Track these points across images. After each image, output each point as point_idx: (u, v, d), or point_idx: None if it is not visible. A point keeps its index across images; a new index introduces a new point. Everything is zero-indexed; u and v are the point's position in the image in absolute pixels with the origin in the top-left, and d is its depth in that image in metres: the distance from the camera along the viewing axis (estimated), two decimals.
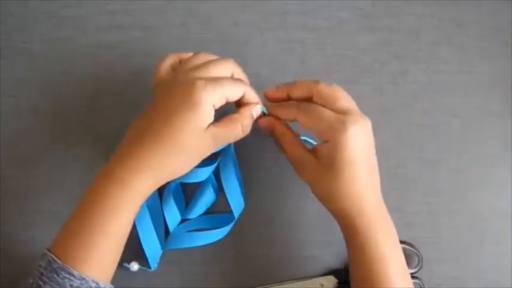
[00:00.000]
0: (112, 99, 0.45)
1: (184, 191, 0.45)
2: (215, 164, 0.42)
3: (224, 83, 0.34)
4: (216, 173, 0.43)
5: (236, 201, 0.42)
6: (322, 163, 0.35)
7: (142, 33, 0.46)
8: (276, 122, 0.38)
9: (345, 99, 0.36)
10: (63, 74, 0.46)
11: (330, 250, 0.45)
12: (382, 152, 0.46)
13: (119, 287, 0.44)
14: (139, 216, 0.41)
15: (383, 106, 0.47)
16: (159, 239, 0.42)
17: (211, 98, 0.33)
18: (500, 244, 0.46)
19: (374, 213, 0.35)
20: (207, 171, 0.41)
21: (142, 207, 0.40)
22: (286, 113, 0.38)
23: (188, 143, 0.33)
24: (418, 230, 0.46)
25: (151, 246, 0.41)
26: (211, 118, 0.34)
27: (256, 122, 0.38)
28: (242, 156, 0.45)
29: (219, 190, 0.44)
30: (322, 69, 0.47)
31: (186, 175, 0.40)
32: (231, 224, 0.43)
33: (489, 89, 0.47)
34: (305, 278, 0.45)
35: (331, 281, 0.45)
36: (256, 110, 0.38)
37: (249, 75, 0.46)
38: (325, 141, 0.35)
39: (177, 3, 0.47)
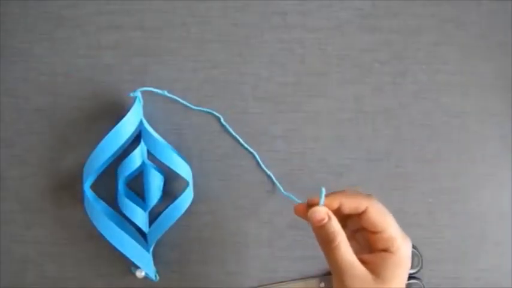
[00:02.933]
0: (112, 99, 0.45)
1: (135, 192, 0.45)
2: (140, 146, 0.43)
3: None
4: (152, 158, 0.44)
5: (180, 166, 0.42)
6: (375, 276, 0.31)
7: (142, 33, 0.46)
8: (333, 216, 0.33)
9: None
10: (63, 74, 0.46)
11: None
12: (382, 152, 0.46)
13: (120, 287, 0.44)
14: (112, 235, 0.41)
15: (383, 106, 0.47)
16: (141, 245, 0.41)
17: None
18: (500, 244, 0.46)
19: None
20: (137, 155, 0.43)
21: (109, 224, 0.40)
22: (354, 203, 0.33)
23: None
24: (418, 230, 0.46)
25: (139, 256, 0.41)
26: None
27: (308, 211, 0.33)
28: (241, 158, 0.45)
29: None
30: (322, 69, 0.47)
31: (123, 168, 0.43)
32: (191, 187, 0.42)
33: (489, 89, 0.47)
34: (305, 278, 0.45)
35: (331, 281, 0.45)
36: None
37: (249, 75, 0.46)
38: (382, 250, 0.32)
39: (177, 3, 0.47)
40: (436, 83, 0.47)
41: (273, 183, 0.45)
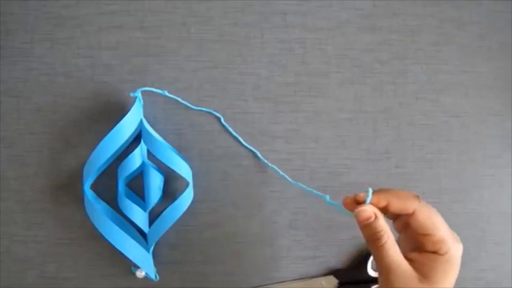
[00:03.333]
0: (112, 99, 0.45)
1: (135, 192, 0.45)
2: (140, 146, 0.43)
3: None
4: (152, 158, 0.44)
5: (180, 166, 0.42)
6: (422, 277, 0.31)
7: (142, 33, 0.46)
8: (380, 215, 0.33)
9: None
10: (63, 74, 0.46)
11: (330, 250, 0.46)
12: (382, 152, 0.46)
13: (120, 287, 0.44)
14: (112, 235, 0.41)
15: (383, 106, 0.47)
16: (141, 245, 0.41)
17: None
18: (500, 244, 0.46)
19: None
20: (137, 155, 0.43)
21: (109, 224, 0.40)
22: (404, 204, 0.32)
23: None
24: None
25: (139, 256, 0.41)
26: None
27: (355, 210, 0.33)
28: (241, 158, 0.45)
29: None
30: (322, 69, 0.47)
31: (123, 168, 0.43)
32: (191, 187, 0.42)
33: (489, 89, 0.47)
34: (305, 278, 0.45)
35: (331, 281, 0.45)
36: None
37: (249, 75, 0.46)
38: (432, 252, 0.32)
39: (177, 3, 0.47)
40: (436, 83, 0.47)
41: (278, 177, 0.45)
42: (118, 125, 0.41)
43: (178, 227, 0.43)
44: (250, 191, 0.45)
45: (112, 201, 0.44)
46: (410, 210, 0.32)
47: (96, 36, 0.46)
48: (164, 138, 0.44)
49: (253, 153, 0.45)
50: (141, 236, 0.44)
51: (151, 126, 0.44)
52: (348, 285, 0.45)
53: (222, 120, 0.45)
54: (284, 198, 0.45)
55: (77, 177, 0.44)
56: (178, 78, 0.46)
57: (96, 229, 0.41)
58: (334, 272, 0.45)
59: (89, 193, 0.42)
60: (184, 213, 0.42)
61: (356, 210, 0.32)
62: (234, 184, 0.45)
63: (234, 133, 0.45)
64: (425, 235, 0.32)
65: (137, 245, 0.41)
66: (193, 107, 0.45)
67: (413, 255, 0.32)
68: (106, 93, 0.46)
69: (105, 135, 0.41)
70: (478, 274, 0.46)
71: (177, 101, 0.45)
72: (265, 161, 0.45)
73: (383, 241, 0.32)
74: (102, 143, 0.41)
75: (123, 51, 0.46)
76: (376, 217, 0.32)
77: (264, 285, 0.45)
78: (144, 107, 0.43)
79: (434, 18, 0.48)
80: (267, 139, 0.46)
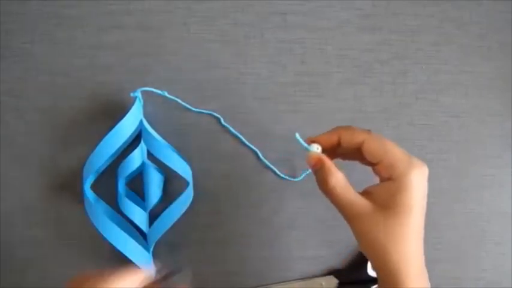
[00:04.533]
0: (112, 99, 0.45)
1: (135, 192, 0.45)
2: (140, 146, 0.43)
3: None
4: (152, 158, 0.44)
5: (180, 166, 0.42)
6: (378, 206, 0.31)
7: (142, 33, 0.46)
8: (326, 160, 0.33)
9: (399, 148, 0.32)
10: (63, 74, 0.46)
11: (330, 250, 0.46)
12: None
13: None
14: (112, 235, 0.41)
15: (383, 106, 0.47)
16: (141, 245, 0.41)
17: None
18: (500, 244, 0.46)
19: (423, 276, 0.32)
20: (137, 155, 0.43)
21: (109, 224, 0.40)
22: (352, 135, 0.33)
23: None
24: None
25: (139, 256, 0.41)
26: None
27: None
28: (241, 158, 0.45)
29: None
30: (322, 69, 0.47)
31: (123, 168, 0.42)
32: (191, 187, 0.42)
33: (489, 89, 0.47)
34: (305, 278, 0.45)
35: (331, 281, 0.45)
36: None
37: (249, 75, 0.46)
38: (387, 179, 0.31)
39: (177, 3, 0.47)
40: (436, 83, 0.47)
41: (278, 177, 0.45)
42: (118, 125, 0.41)
43: (178, 227, 0.43)
44: (250, 191, 0.45)
45: (112, 201, 0.44)
46: (360, 139, 0.32)
47: (96, 36, 0.46)
48: (164, 138, 0.44)
49: (254, 153, 0.45)
50: (141, 236, 0.44)
51: (151, 126, 0.44)
52: (348, 285, 0.45)
53: (222, 120, 0.45)
54: (284, 198, 0.45)
55: (77, 177, 0.44)
56: (179, 78, 0.46)
57: (96, 229, 0.41)
58: (334, 272, 0.45)
59: (88, 193, 0.42)
60: (184, 213, 0.42)
61: (305, 158, 0.33)
62: (234, 184, 0.45)
63: (234, 132, 0.45)
64: (378, 163, 0.32)
65: (137, 245, 0.41)
66: (193, 108, 0.45)
67: (371, 188, 0.32)
68: (106, 93, 0.46)
69: (105, 135, 0.41)
70: (478, 274, 0.46)
71: (177, 102, 0.45)
72: (265, 161, 0.45)
73: (331, 185, 0.32)
74: (102, 143, 0.41)
75: (123, 51, 0.46)
76: (323, 162, 0.32)
77: (264, 285, 0.45)
78: (144, 107, 0.43)
79: (434, 18, 0.48)
80: (267, 139, 0.46)
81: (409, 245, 0.31)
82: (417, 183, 0.30)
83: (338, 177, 0.32)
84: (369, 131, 0.33)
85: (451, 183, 0.46)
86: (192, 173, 0.43)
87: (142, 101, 0.43)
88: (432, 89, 0.47)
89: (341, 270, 0.45)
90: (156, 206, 0.44)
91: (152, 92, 0.43)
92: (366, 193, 0.32)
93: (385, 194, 0.31)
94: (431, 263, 0.45)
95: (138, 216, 0.42)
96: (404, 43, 0.47)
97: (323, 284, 0.45)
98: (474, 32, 0.48)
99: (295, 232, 0.45)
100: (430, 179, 0.47)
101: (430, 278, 0.45)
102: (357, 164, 0.35)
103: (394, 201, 0.30)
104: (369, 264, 0.44)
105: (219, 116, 0.45)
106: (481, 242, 0.46)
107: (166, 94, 0.44)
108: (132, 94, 0.42)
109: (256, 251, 0.45)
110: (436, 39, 0.48)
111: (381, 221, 0.31)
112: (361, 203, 0.32)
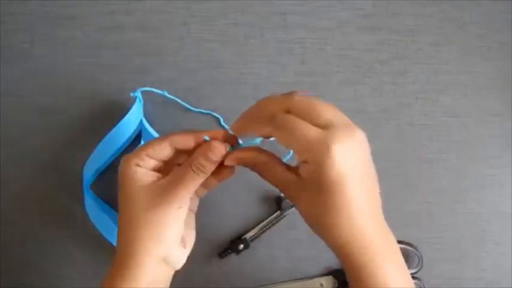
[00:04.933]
0: (112, 99, 0.45)
1: None
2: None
3: (143, 144, 0.34)
4: None
5: None
6: (306, 186, 0.30)
7: (142, 33, 0.46)
8: (241, 154, 0.33)
9: (327, 111, 0.30)
10: (63, 74, 0.46)
11: (330, 250, 0.45)
12: (382, 152, 0.46)
13: None
14: (112, 235, 0.41)
15: (383, 106, 0.47)
16: None
17: (130, 162, 0.32)
18: (500, 244, 0.46)
19: (378, 243, 0.30)
20: None
21: (109, 224, 0.41)
22: (258, 130, 0.32)
23: (138, 207, 0.32)
24: (418, 230, 0.46)
25: None
26: (142, 176, 0.32)
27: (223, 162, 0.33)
28: None
29: None
30: (322, 69, 0.47)
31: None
32: None
33: (489, 89, 0.47)
34: (305, 278, 0.45)
35: (331, 281, 0.45)
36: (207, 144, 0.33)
37: (249, 75, 0.46)
38: (304, 162, 0.29)
39: (177, 3, 0.47)
40: (436, 83, 0.47)
41: None
42: (118, 125, 0.41)
43: None
44: (249, 190, 0.45)
45: (112, 201, 0.44)
46: (265, 133, 0.32)
47: (96, 36, 0.46)
48: None
49: None
50: None
51: (151, 126, 0.44)
52: (348, 285, 0.45)
53: (222, 121, 0.45)
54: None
55: (77, 177, 0.44)
56: (179, 78, 0.46)
57: (96, 229, 0.41)
58: (334, 272, 0.45)
59: (88, 193, 0.42)
60: None
61: (224, 161, 0.33)
62: (233, 184, 0.45)
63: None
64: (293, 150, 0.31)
65: None
66: (193, 108, 0.45)
67: (296, 168, 0.31)
68: (106, 93, 0.46)
69: (105, 135, 0.41)
70: (478, 274, 0.46)
71: (177, 102, 0.45)
72: None
73: (263, 167, 0.32)
74: (102, 143, 0.41)
75: (123, 51, 0.46)
76: (243, 153, 0.33)
77: (264, 285, 0.45)
78: (144, 107, 0.43)
79: (434, 18, 0.48)
80: (266, 139, 0.46)
81: (350, 218, 0.29)
82: (339, 158, 0.28)
83: (261, 160, 0.33)
84: (291, 94, 0.31)
85: (451, 183, 0.46)
86: None
87: (142, 101, 0.43)
88: (432, 89, 0.47)
89: (341, 270, 0.45)
90: None
91: (152, 92, 0.43)
92: (294, 170, 0.31)
93: (306, 176, 0.30)
94: (431, 263, 0.45)
95: None
96: (404, 43, 0.47)
97: (323, 284, 0.45)
98: (474, 32, 0.48)
99: (295, 232, 0.45)
100: (430, 179, 0.47)
101: (430, 278, 0.45)
102: None
103: (317, 183, 0.29)
104: None
105: (219, 116, 0.45)
106: (481, 242, 0.46)
107: (166, 94, 0.44)
108: (132, 94, 0.42)
109: (256, 251, 0.45)
110: (436, 39, 0.47)
111: (311, 201, 0.30)
112: (292, 180, 0.31)
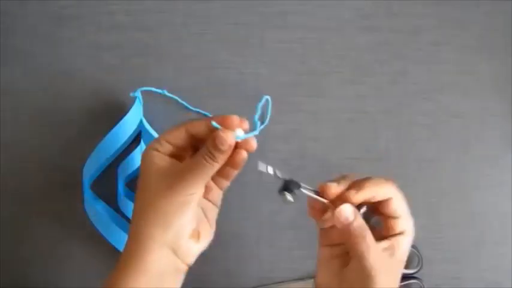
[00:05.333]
0: (112, 99, 0.45)
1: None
2: (140, 146, 0.43)
3: (164, 132, 0.34)
4: None
5: None
6: (391, 258, 0.33)
7: (142, 33, 0.46)
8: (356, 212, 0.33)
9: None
10: (63, 74, 0.46)
11: None
12: (382, 152, 0.46)
13: None
14: (112, 235, 0.41)
15: (383, 106, 0.47)
16: None
17: (150, 146, 0.33)
18: (500, 244, 0.46)
19: None
20: (137, 155, 0.43)
21: (109, 224, 0.41)
22: (383, 191, 0.34)
23: (150, 192, 0.32)
24: (418, 230, 0.45)
25: None
26: (159, 161, 0.32)
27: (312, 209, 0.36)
28: None
29: None
30: (322, 69, 0.47)
31: (123, 168, 0.42)
32: None
33: (489, 89, 0.47)
34: (305, 278, 0.45)
35: None
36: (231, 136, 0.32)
37: (249, 75, 0.46)
38: (398, 234, 0.33)
39: (177, 3, 0.47)
40: (436, 83, 0.47)
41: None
42: (118, 125, 0.41)
43: None
44: (250, 191, 0.45)
45: (112, 201, 0.44)
46: (389, 195, 0.33)
47: (96, 36, 0.46)
48: None
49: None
50: None
51: (151, 126, 0.44)
52: None
53: None
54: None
55: (77, 177, 0.44)
56: (178, 78, 0.46)
57: (96, 229, 0.41)
58: None
59: (88, 193, 0.42)
60: None
61: (337, 211, 0.33)
62: (233, 184, 0.45)
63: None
64: (397, 217, 0.33)
65: None
66: (193, 108, 0.45)
67: (385, 244, 0.33)
68: (106, 93, 0.46)
69: (105, 135, 0.41)
70: (478, 274, 0.46)
71: (177, 101, 0.45)
72: (265, 160, 0.45)
73: (367, 238, 0.32)
74: (102, 143, 0.41)
75: (123, 51, 0.46)
76: (355, 215, 0.33)
77: (264, 285, 0.45)
78: (144, 107, 0.43)
79: (434, 18, 0.48)
80: (267, 139, 0.46)
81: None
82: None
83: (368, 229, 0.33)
84: (392, 183, 0.34)
85: (451, 183, 0.46)
86: None
87: (142, 101, 0.43)
88: (432, 89, 0.47)
89: None
90: None
91: (152, 92, 0.43)
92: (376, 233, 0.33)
93: (398, 247, 0.33)
94: (431, 263, 0.45)
95: None
96: (404, 43, 0.47)
97: None
98: (474, 32, 0.48)
99: (295, 232, 0.45)
100: (430, 179, 0.47)
101: (430, 278, 0.45)
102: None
103: (405, 253, 0.34)
104: None
105: None
106: (481, 242, 0.46)
107: (165, 92, 0.44)
108: (132, 94, 0.42)
109: (256, 251, 0.45)
110: (436, 39, 0.47)
111: (387, 267, 0.33)
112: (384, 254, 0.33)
